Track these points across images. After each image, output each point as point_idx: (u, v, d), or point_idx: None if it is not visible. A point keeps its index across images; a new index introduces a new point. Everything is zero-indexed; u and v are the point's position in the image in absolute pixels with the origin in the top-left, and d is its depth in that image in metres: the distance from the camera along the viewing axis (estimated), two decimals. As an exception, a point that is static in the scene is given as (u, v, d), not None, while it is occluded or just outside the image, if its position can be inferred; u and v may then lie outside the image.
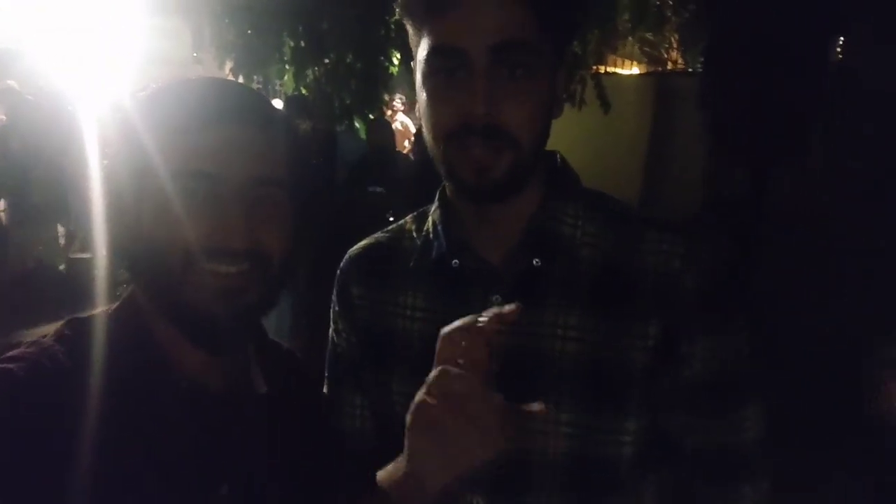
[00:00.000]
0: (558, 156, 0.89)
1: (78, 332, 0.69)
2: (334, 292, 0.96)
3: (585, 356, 0.78)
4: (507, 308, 0.65)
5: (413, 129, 7.67)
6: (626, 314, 0.78)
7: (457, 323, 0.68)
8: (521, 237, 0.82)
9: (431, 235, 0.88)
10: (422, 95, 0.79)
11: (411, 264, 0.89)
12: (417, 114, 0.84)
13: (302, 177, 0.75)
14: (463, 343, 0.66)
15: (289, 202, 0.72)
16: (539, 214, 0.82)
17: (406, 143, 7.59)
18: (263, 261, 0.68)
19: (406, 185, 3.43)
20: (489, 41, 0.71)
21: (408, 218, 0.96)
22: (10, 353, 0.65)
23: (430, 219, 0.90)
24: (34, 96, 5.98)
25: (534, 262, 0.80)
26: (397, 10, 0.82)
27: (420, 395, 0.66)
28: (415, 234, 0.92)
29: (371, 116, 4.57)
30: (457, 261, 0.83)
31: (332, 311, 0.97)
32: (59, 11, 6.76)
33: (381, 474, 0.79)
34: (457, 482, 0.68)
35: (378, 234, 0.97)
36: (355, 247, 0.97)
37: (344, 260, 0.97)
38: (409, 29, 0.80)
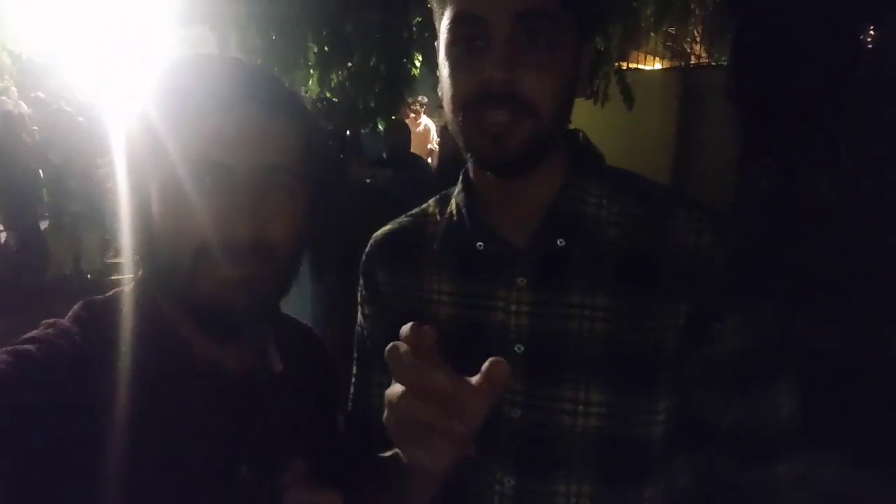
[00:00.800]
0: (581, 134, 0.88)
1: (94, 313, 0.69)
2: (360, 277, 0.97)
3: (614, 337, 0.77)
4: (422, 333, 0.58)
5: (435, 133, 7.70)
6: (655, 293, 0.77)
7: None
8: (545, 218, 0.81)
9: (455, 218, 0.88)
10: (443, 68, 0.78)
11: (435, 248, 0.89)
12: (440, 97, 0.82)
13: (316, 164, 0.73)
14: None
15: (302, 190, 0.70)
16: (562, 194, 0.81)
17: (430, 146, 7.62)
18: (271, 252, 0.67)
19: (424, 186, 3.45)
20: (510, 9, 0.71)
21: (430, 201, 0.96)
22: (28, 335, 0.65)
23: (453, 201, 0.90)
24: (66, 107, 6.15)
25: (558, 242, 0.79)
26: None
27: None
28: (438, 218, 0.92)
29: (394, 118, 4.61)
30: (481, 243, 0.83)
31: (359, 294, 0.98)
32: (86, 23, 6.92)
33: (391, 459, 0.78)
34: (454, 462, 0.66)
35: (401, 219, 0.97)
36: (379, 231, 0.97)
37: (369, 244, 0.97)
38: (434, 4, 0.80)
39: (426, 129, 7.79)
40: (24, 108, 8.25)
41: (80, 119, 5.69)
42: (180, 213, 0.64)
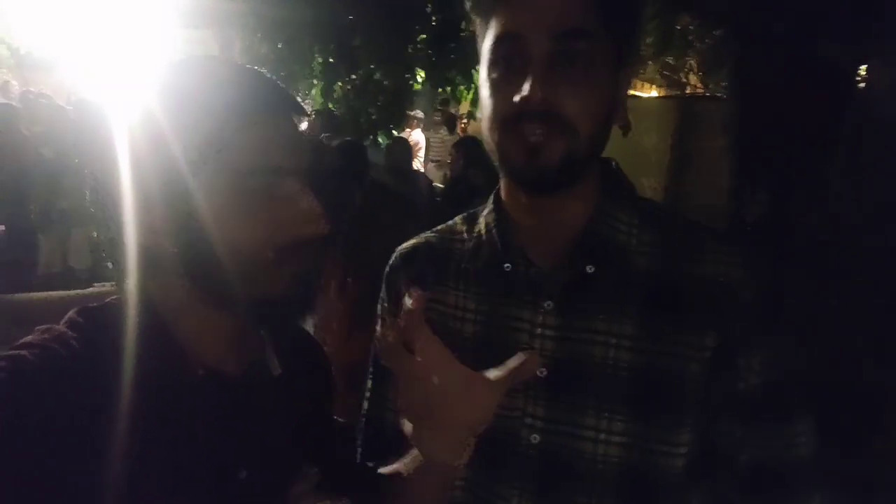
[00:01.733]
0: (614, 162, 0.88)
1: (89, 319, 0.68)
2: (383, 288, 0.97)
3: (639, 366, 0.77)
4: (412, 300, 0.67)
5: (423, 146, 7.75)
6: (682, 324, 0.77)
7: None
8: (575, 243, 0.81)
9: (485, 237, 0.88)
10: (483, 87, 0.79)
11: (462, 266, 0.89)
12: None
13: (317, 167, 0.74)
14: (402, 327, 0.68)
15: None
16: (593, 220, 0.82)
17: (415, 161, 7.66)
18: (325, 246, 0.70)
19: (424, 205, 3.48)
20: (549, 29, 0.72)
21: (457, 219, 0.97)
22: (23, 340, 0.64)
23: (481, 220, 0.90)
24: (67, 105, 6.12)
25: (587, 269, 0.80)
26: (467, 6, 0.82)
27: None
28: (465, 236, 0.92)
29: (395, 132, 4.65)
30: (509, 265, 0.84)
31: (379, 307, 0.98)
32: (90, 22, 6.91)
33: (407, 459, 0.80)
34: (465, 458, 0.71)
35: (427, 234, 0.98)
36: (404, 245, 0.98)
37: (393, 257, 0.98)
38: (476, 24, 0.81)
39: (416, 144, 7.84)
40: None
41: (75, 115, 5.64)
42: (257, 217, 0.65)
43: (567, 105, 0.73)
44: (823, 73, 2.73)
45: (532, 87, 0.72)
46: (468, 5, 0.82)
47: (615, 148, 0.85)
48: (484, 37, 0.78)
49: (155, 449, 0.63)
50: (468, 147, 3.76)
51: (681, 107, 5.35)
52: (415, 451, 0.78)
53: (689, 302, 0.78)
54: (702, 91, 5.92)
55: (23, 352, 0.61)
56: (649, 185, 5.07)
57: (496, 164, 0.81)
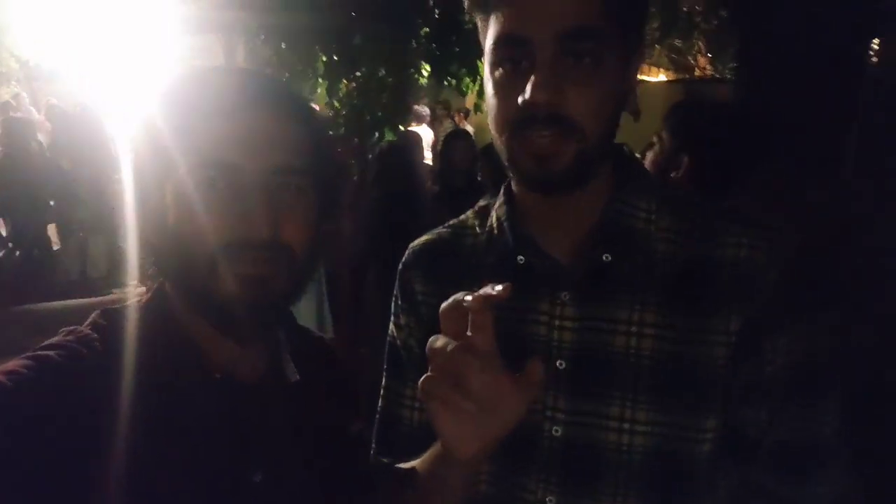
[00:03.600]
0: (626, 148, 0.86)
1: (112, 321, 0.70)
2: (396, 286, 0.95)
3: (662, 353, 0.76)
4: (497, 289, 0.63)
5: (428, 141, 7.72)
6: (706, 310, 0.76)
7: (451, 300, 0.67)
8: (591, 232, 0.80)
9: (496, 231, 0.86)
10: (488, 88, 0.77)
11: (474, 261, 0.88)
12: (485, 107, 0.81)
13: (326, 167, 0.73)
14: (457, 318, 0.65)
15: (313, 191, 0.71)
16: (609, 208, 0.80)
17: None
18: (288, 251, 0.67)
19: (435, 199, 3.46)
20: (555, 29, 0.69)
21: (469, 213, 0.95)
22: (48, 342, 0.66)
23: (493, 214, 0.88)
24: (75, 112, 6.19)
25: (604, 257, 0.78)
26: (466, 5, 0.80)
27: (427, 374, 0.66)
28: (478, 230, 0.91)
29: (401, 128, 4.64)
30: (522, 257, 0.82)
31: (393, 304, 0.96)
32: (94, 29, 6.96)
33: (426, 454, 0.80)
34: (486, 452, 0.69)
35: (440, 229, 0.96)
36: (417, 241, 0.96)
37: (406, 254, 0.96)
38: (478, 22, 0.78)
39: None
40: (35, 114, 8.28)
41: (90, 123, 5.71)
42: (196, 215, 0.65)
43: (575, 106, 0.71)
44: (833, 49, 2.68)
45: (536, 90, 0.69)
46: (467, 4, 0.80)
47: (622, 135, 0.83)
48: (486, 35, 0.76)
49: (170, 450, 0.64)
50: (447, 144, 3.70)
51: (688, 91, 5.29)
52: (434, 448, 0.77)
53: (710, 286, 0.76)
54: (710, 74, 5.85)
55: (48, 352, 0.63)
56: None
57: (505, 165, 0.79)
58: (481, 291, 0.64)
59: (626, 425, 0.77)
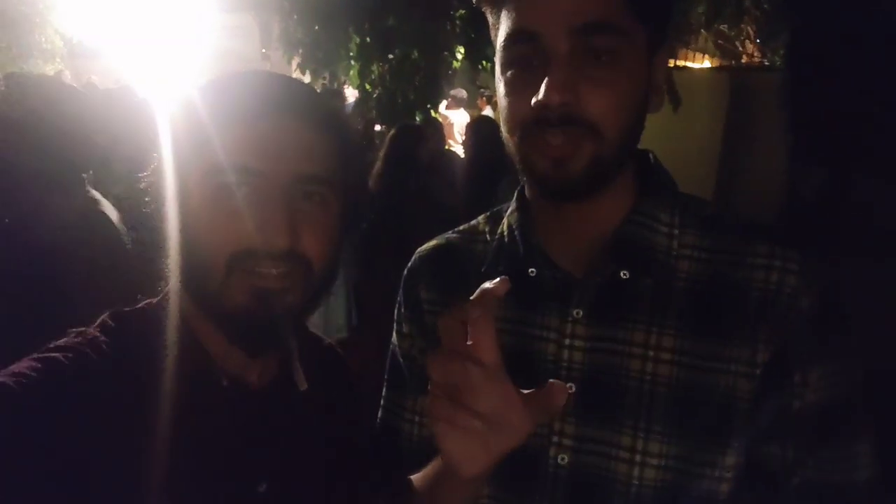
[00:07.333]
0: (651, 155, 0.81)
1: (122, 324, 0.69)
2: (401, 293, 0.92)
3: (680, 381, 0.71)
4: (495, 282, 0.59)
5: (455, 125, 7.63)
6: (730, 336, 0.71)
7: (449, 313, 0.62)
8: (607, 246, 0.75)
9: (507, 239, 0.82)
10: (499, 87, 0.73)
11: (483, 269, 0.83)
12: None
13: (352, 177, 0.72)
14: (457, 330, 0.60)
15: (336, 202, 0.69)
16: (629, 221, 0.75)
17: (451, 141, 7.55)
18: (305, 263, 0.65)
19: (461, 186, 3.40)
20: (568, 24, 0.65)
21: (480, 218, 0.91)
22: (56, 343, 0.65)
23: (505, 221, 0.84)
24: (113, 90, 6.29)
25: (621, 274, 0.73)
26: (474, 1, 0.76)
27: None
28: (488, 237, 0.86)
29: (432, 113, 4.58)
30: (533, 269, 0.78)
31: (396, 312, 0.93)
32: (135, 9, 7.08)
33: (425, 470, 0.77)
34: (490, 469, 0.63)
35: (449, 234, 0.92)
36: (424, 246, 0.92)
37: (412, 259, 0.92)
38: (489, 17, 0.74)
39: (450, 124, 7.70)
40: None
41: (126, 103, 5.80)
42: (214, 220, 0.64)
43: (591, 107, 0.66)
44: (891, 39, 2.52)
45: (550, 90, 0.65)
46: (476, 0, 0.75)
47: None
48: (497, 31, 0.72)
49: (176, 455, 0.63)
50: (479, 128, 3.63)
51: (734, 78, 5.08)
52: (435, 464, 0.74)
53: (737, 311, 0.71)
54: (759, 61, 5.61)
55: (56, 354, 0.63)
56: (700, 165, 4.86)
57: (518, 169, 0.75)
58: (478, 292, 0.59)
59: (638, 457, 0.72)
